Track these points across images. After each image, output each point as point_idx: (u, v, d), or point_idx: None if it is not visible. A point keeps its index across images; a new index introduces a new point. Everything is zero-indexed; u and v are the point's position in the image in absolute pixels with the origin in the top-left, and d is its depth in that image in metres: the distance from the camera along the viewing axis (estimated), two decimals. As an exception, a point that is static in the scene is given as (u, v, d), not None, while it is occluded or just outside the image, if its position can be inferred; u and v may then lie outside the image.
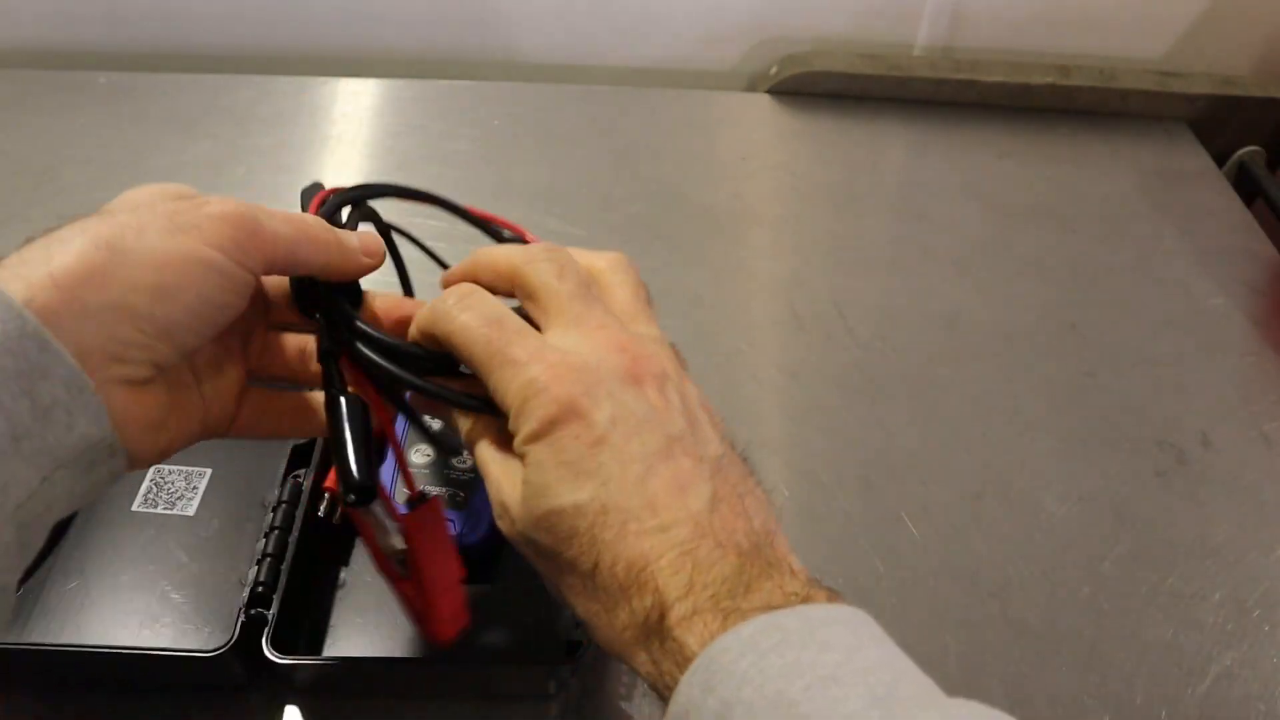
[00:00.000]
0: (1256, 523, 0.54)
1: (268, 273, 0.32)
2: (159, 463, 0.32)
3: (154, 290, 0.28)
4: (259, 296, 0.36)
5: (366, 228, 0.38)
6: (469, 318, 0.32)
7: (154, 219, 0.29)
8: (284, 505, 0.44)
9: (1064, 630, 0.48)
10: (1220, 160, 0.80)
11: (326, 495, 0.46)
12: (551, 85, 0.82)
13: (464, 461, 0.47)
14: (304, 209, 0.37)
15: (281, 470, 0.46)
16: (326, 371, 0.34)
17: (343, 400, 0.33)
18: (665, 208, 0.72)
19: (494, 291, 0.34)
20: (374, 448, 0.33)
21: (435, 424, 0.39)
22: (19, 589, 0.27)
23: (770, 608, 0.26)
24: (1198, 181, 0.77)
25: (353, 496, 0.32)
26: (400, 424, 0.49)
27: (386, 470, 0.44)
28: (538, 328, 0.33)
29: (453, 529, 0.45)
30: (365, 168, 0.73)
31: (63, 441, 0.27)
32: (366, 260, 0.35)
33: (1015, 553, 0.51)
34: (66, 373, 0.27)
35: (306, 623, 0.44)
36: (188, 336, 0.30)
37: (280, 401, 0.37)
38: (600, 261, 0.35)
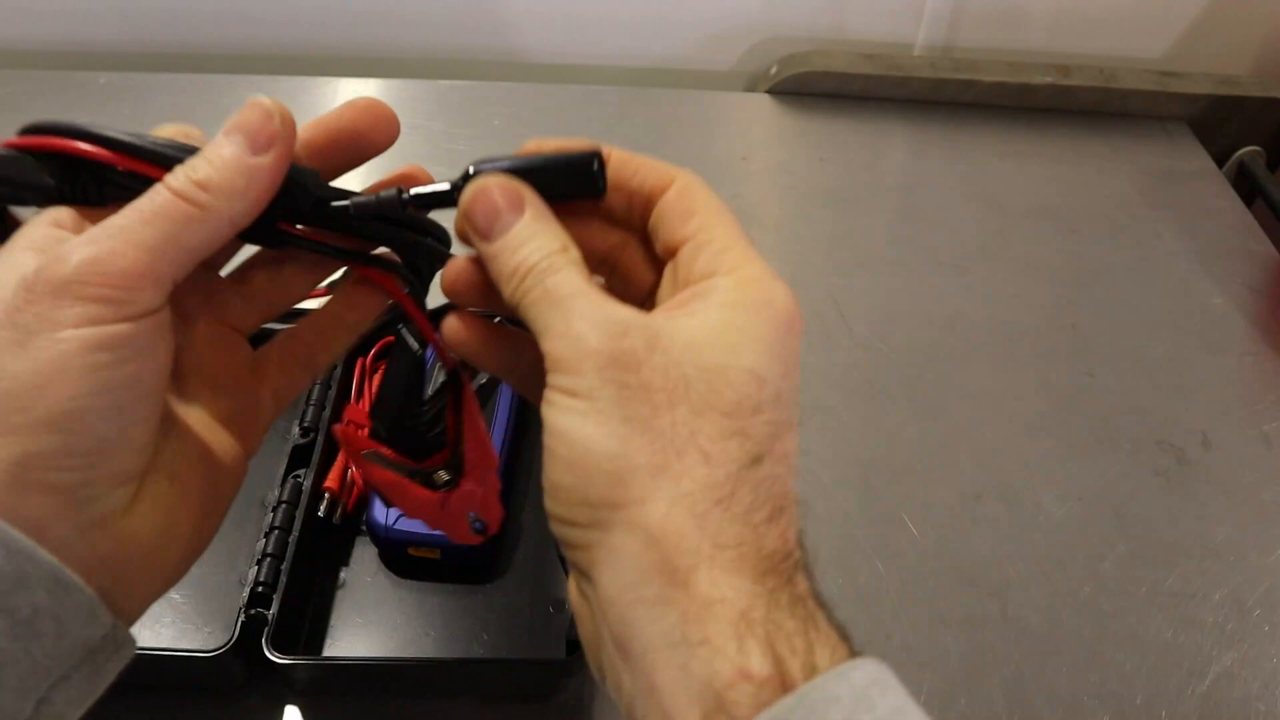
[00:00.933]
0: (1256, 523, 0.54)
1: (177, 283, 0.24)
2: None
3: (49, 422, 0.22)
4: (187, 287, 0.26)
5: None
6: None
7: (0, 336, 0.22)
8: (284, 505, 0.44)
9: (1064, 630, 0.48)
10: (1220, 160, 0.80)
11: (326, 495, 0.46)
12: (551, 85, 0.82)
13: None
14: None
15: (281, 470, 0.46)
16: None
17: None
18: (665, 208, 0.71)
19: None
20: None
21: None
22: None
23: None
24: (1198, 181, 0.77)
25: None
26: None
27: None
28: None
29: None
30: (365, 167, 0.73)
31: (53, 654, 0.22)
32: (263, 160, 0.25)
33: (1015, 553, 0.51)
34: (45, 573, 0.22)
35: (306, 623, 0.44)
36: (131, 430, 0.24)
37: (299, 336, 0.30)
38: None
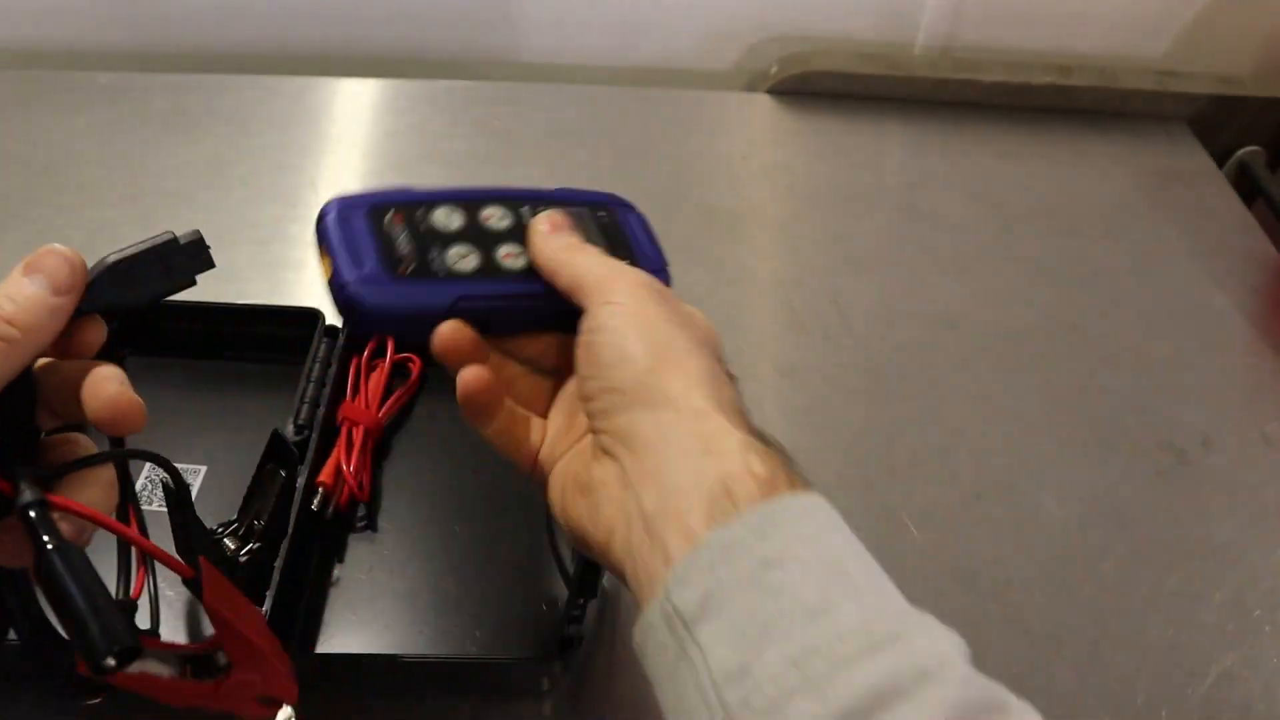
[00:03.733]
0: (1257, 523, 0.53)
1: None
2: None
3: None
4: None
5: None
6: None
7: None
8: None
9: (1064, 630, 0.48)
10: (1220, 160, 0.80)
11: (320, 490, 0.46)
12: (551, 85, 0.82)
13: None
14: None
15: (277, 467, 0.46)
16: (33, 524, 0.26)
17: (55, 554, 0.26)
18: (665, 208, 0.71)
19: None
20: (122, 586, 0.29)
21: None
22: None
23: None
24: (1198, 181, 0.77)
25: (112, 661, 0.25)
26: None
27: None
28: None
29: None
30: (365, 167, 0.73)
31: None
32: (64, 301, 0.28)
33: (1015, 553, 0.51)
34: None
35: (299, 619, 0.44)
36: None
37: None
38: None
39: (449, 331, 0.34)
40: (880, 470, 0.55)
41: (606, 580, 0.46)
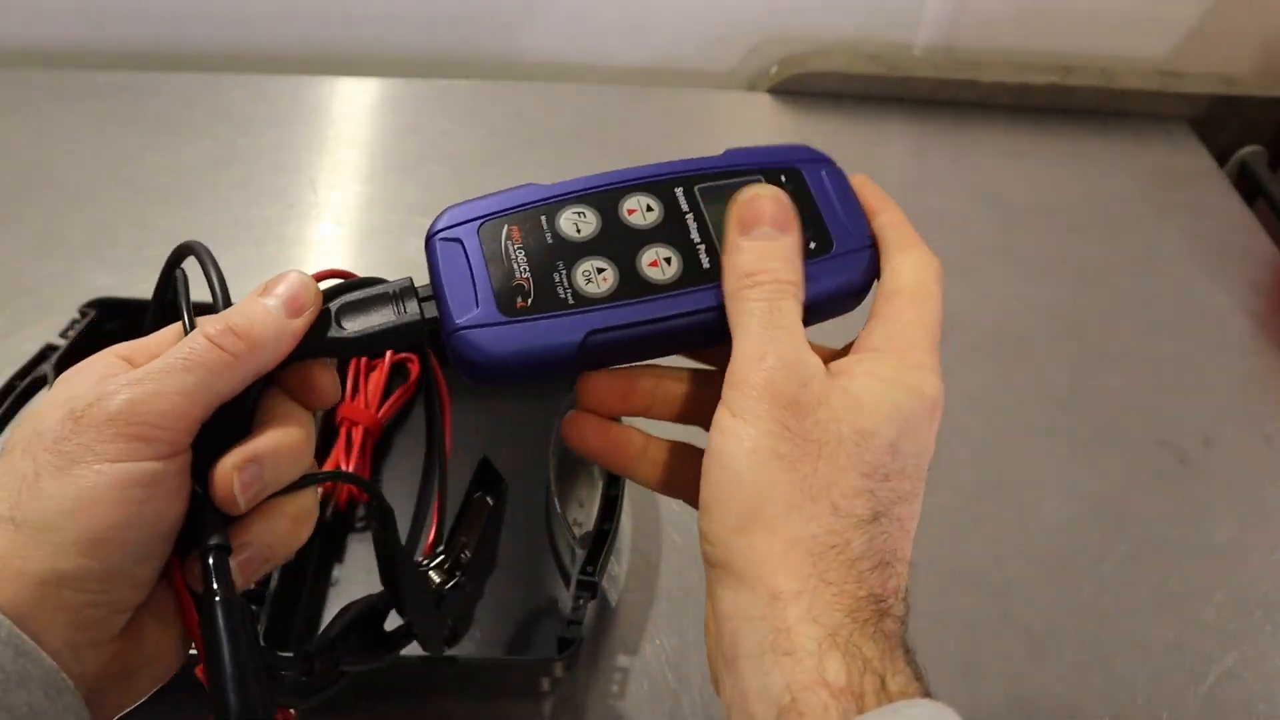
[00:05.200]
0: (1257, 523, 0.53)
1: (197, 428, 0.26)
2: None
3: (78, 545, 0.24)
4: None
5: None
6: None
7: (44, 460, 0.24)
8: (279, 502, 0.44)
9: (1064, 630, 0.48)
10: (1221, 160, 0.80)
11: (319, 490, 0.46)
12: (551, 85, 0.82)
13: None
14: None
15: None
16: (207, 568, 0.26)
17: (219, 605, 0.25)
18: (664, 207, 0.71)
19: None
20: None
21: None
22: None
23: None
24: (1199, 181, 0.77)
25: None
26: None
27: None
28: None
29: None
30: (365, 167, 0.73)
31: None
32: (298, 324, 0.27)
33: (1015, 553, 0.51)
34: (44, 675, 0.24)
35: (299, 620, 0.44)
36: (142, 565, 0.26)
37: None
38: None
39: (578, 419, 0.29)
40: (880, 470, 0.54)
41: (606, 580, 0.46)
